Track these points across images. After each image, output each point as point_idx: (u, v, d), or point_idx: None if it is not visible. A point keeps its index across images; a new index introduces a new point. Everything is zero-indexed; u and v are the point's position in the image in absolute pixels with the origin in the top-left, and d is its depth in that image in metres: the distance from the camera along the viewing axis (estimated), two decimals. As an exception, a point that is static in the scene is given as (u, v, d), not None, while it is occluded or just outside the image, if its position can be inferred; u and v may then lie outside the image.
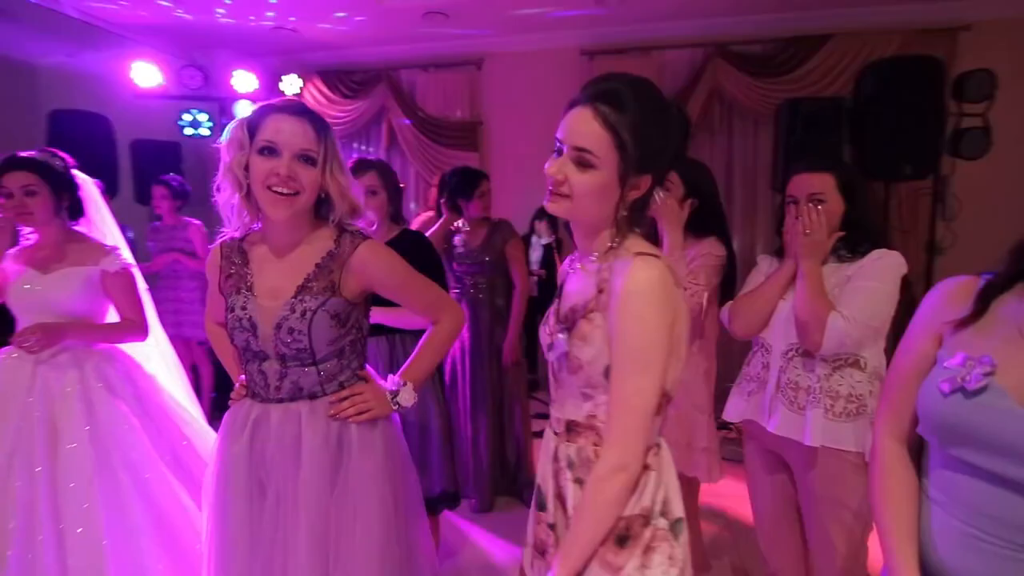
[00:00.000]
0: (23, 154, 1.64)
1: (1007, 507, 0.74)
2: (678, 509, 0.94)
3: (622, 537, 0.90)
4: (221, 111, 4.49)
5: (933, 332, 0.85)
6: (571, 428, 0.96)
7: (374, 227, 1.94)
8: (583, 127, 0.87)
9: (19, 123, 4.01)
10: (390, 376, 1.29)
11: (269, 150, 1.13)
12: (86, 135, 3.68)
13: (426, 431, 2.02)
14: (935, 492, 0.83)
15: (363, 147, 4.73)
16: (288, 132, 1.13)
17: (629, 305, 0.86)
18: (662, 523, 0.91)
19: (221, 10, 3.86)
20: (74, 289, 1.67)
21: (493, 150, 4.49)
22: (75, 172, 1.76)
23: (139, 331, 1.76)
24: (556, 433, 0.99)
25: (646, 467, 0.91)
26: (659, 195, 1.36)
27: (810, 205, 1.33)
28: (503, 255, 2.47)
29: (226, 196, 1.20)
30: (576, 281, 0.98)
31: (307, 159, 1.15)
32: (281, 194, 1.13)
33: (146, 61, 4.21)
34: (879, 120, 3.04)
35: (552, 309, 1.01)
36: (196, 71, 4.34)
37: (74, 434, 1.57)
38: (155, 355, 1.87)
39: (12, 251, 1.68)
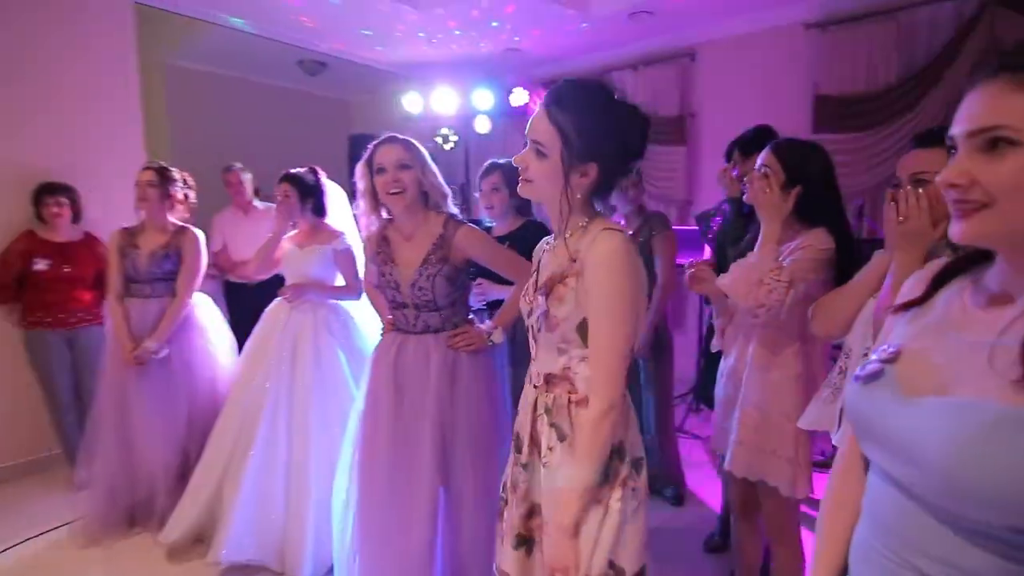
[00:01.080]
0: (290, 171, 2.41)
1: (896, 512, 0.64)
2: (639, 450, 1.09)
3: (604, 473, 1.04)
4: (465, 126, 5.38)
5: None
6: (549, 380, 1.12)
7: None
8: (538, 124, 1.07)
9: (331, 145, 5.51)
10: (487, 321, 1.80)
11: (380, 170, 1.67)
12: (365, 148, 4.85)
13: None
14: (865, 498, 0.74)
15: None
16: (388, 153, 1.67)
17: (598, 270, 1.03)
18: (627, 459, 1.07)
19: (454, 46, 4.65)
20: (316, 261, 2.38)
21: (703, 141, 4.36)
22: (324, 183, 2.48)
23: (354, 293, 2.40)
24: (535, 386, 1.16)
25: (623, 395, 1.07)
26: (754, 181, 1.39)
27: (909, 187, 1.14)
28: (648, 247, 2.50)
29: (362, 209, 1.78)
30: (550, 256, 1.15)
31: (404, 166, 1.68)
32: (393, 193, 1.66)
33: (412, 91, 5.31)
34: None
35: (531, 282, 1.19)
36: (451, 93, 5.29)
37: (306, 360, 2.26)
38: (365, 310, 2.48)
39: (287, 235, 2.48)
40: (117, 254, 2.49)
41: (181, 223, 2.61)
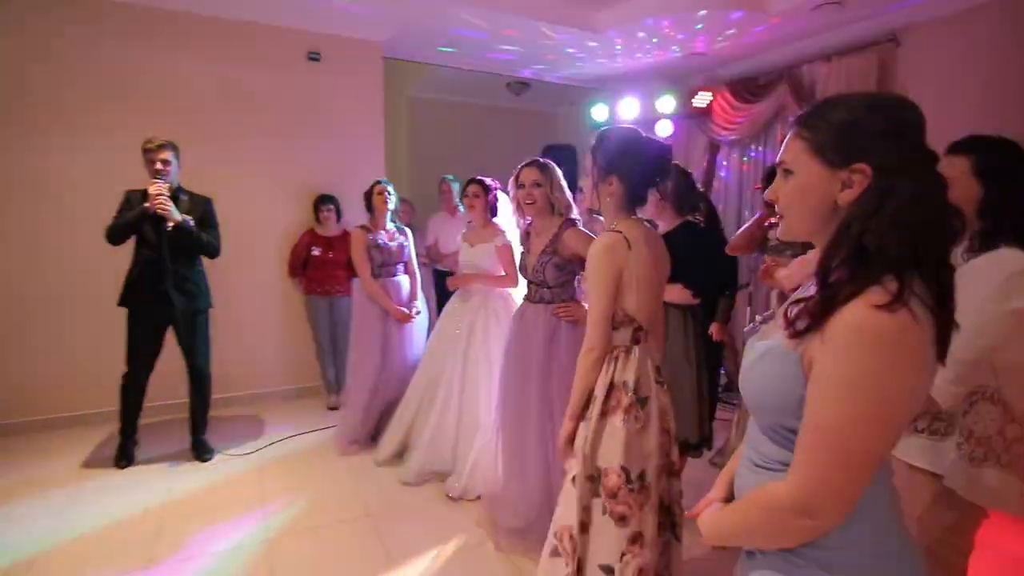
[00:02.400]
0: (477, 176, 3.09)
1: (753, 429, 0.92)
2: (646, 390, 1.47)
3: (607, 398, 1.48)
4: (648, 131, 5.62)
5: None
6: None
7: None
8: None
9: (532, 154, 6.24)
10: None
11: (521, 185, 2.31)
12: (559, 160, 5.43)
13: (680, 387, 2.52)
14: None
15: (759, 148, 4.95)
16: (527, 174, 2.34)
17: (588, 260, 1.52)
18: (631, 393, 1.46)
19: (639, 54, 4.94)
20: (483, 255, 3.03)
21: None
22: (498, 192, 3.12)
23: (512, 282, 2.99)
24: None
25: (627, 349, 1.50)
26: None
27: None
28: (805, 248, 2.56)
29: (511, 213, 2.45)
30: None
31: (537, 184, 2.31)
32: (527, 203, 2.30)
33: (600, 102, 5.77)
34: None
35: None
36: (632, 102, 5.62)
37: (476, 336, 2.91)
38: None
39: (462, 232, 3.19)
40: (365, 246, 3.42)
41: (399, 224, 3.55)
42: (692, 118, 5.40)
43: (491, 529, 2.40)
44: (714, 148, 5.45)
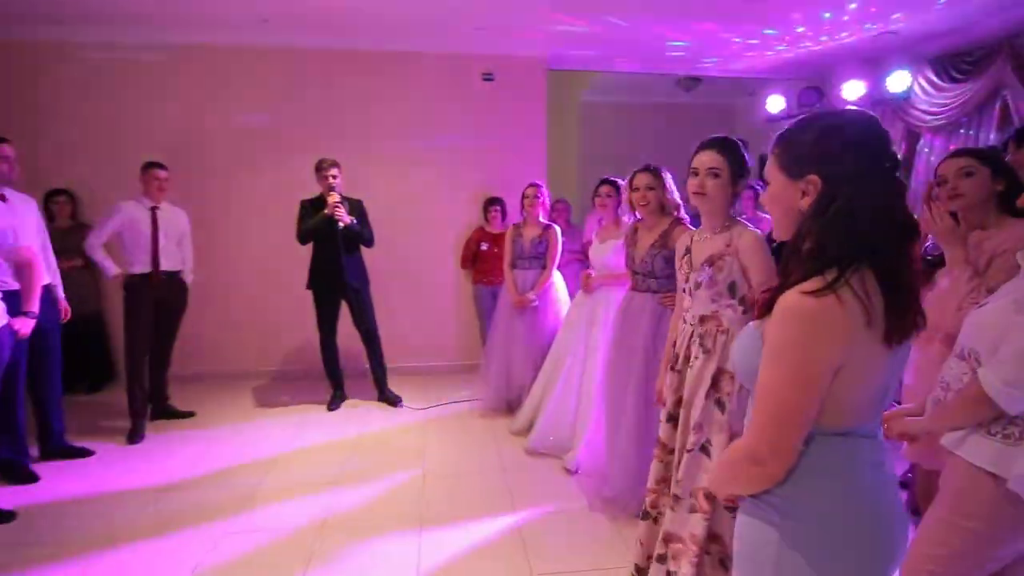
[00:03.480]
0: (609, 177, 3.33)
1: None
2: None
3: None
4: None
5: None
6: (703, 319, 1.82)
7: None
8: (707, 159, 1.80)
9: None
10: None
11: (635, 189, 2.59)
12: None
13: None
14: None
15: (970, 132, 4.25)
16: (641, 179, 2.59)
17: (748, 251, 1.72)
18: None
19: (824, 37, 4.58)
20: (610, 251, 3.25)
21: None
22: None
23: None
24: (691, 324, 1.86)
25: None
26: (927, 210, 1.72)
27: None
28: None
29: (624, 210, 2.74)
30: (703, 245, 1.84)
31: (650, 188, 2.55)
32: (641, 205, 2.58)
33: (776, 93, 5.46)
34: None
35: (684, 260, 1.88)
36: (813, 91, 5.22)
37: (596, 327, 3.18)
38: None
39: (596, 230, 3.45)
40: (511, 240, 3.97)
41: (547, 221, 3.95)
42: (885, 104, 4.84)
43: (590, 493, 2.76)
44: (913, 136, 4.81)
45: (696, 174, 1.79)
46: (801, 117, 1.02)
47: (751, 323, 1.05)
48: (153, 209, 3.58)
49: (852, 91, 4.90)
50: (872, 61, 4.93)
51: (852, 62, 5.04)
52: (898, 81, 4.65)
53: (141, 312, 3.56)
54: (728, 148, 1.79)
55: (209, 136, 4.59)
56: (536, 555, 2.33)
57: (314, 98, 4.68)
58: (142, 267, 3.55)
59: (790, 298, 0.92)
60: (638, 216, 2.63)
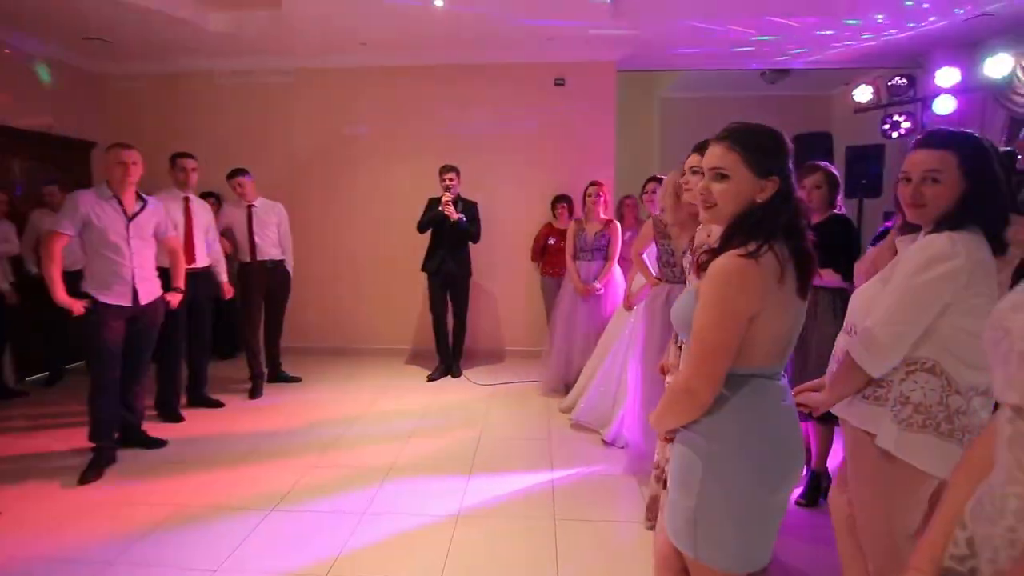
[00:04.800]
0: (657, 175, 3.56)
1: None
2: None
3: None
4: (923, 109, 4.91)
5: None
6: None
7: None
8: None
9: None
10: None
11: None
12: (811, 147, 5.16)
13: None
14: None
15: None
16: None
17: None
18: None
19: (910, 23, 4.40)
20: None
21: None
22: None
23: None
24: None
25: None
26: None
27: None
28: None
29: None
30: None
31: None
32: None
33: (865, 83, 5.27)
34: None
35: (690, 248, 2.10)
36: (905, 79, 4.99)
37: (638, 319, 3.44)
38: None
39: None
40: (573, 234, 4.29)
41: (608, 217, 4.23)
42: (984, 90, 4.53)
43: (623, 461, 3.06)
44: (1017, 125, 4.46)
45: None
46: (751, 124, 1.26)
47: (689, 285, 1.33)
48: (249, 207, 4.28)
49: (946, 78, 4.65)
50: (969, 46, 4.64)
51: (946, 47, 4.77)
52: (998, 65, 4.35)
53: (252, 296, 4.34)
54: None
55: (323, 145, 5.38)
56: (561, 504, 2.67)
57: (404, 109, 5.31)
58: (246, 257, 4.30)
59: (721, 260, 1.20)
60: (660, 210, 2.83)
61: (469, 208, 4.56)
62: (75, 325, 3.00)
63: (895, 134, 5.07)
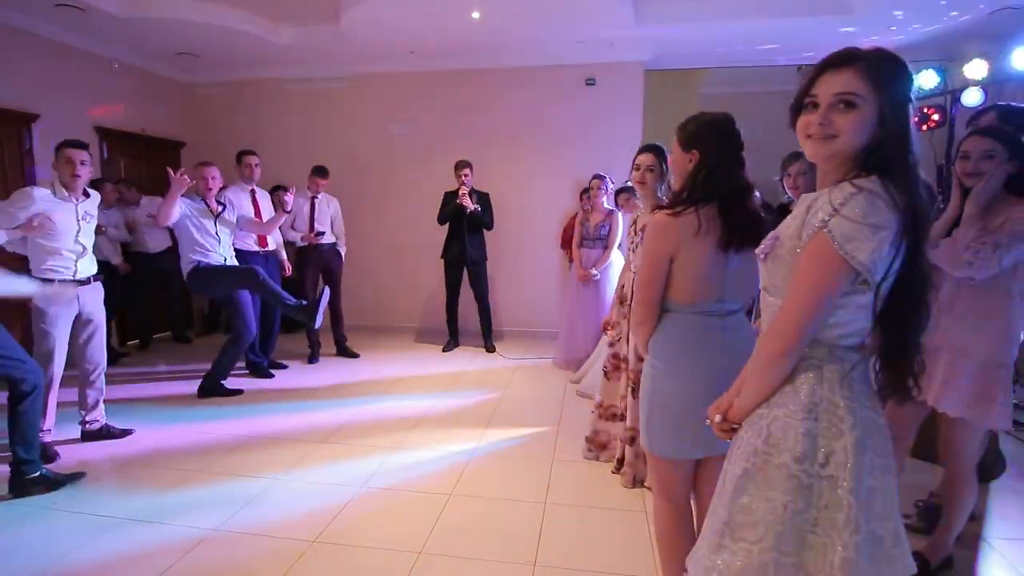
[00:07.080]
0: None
1: None
2: None
3: None
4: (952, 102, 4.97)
5: None
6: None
7: None
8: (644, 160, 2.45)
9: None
10: None
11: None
12: None
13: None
14: None
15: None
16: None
17: None
18: None
19: (933, 15, 4.50)
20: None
21: None
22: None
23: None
24: (634, 272, 2.47)
25: None
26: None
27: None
28: None
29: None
30: (643, 218, 2.97)
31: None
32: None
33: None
34: None
35: (632, 230, 2.60)
36: (933, 72, 5.04)
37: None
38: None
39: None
40: (579, 223, 4.67)
41: (611, 208, 4.59)
42: (1007, 83, 4.56)
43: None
44: (1044, 116, 4.46)
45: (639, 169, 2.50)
46: (693, 117, 1.64)
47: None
48: (313, 199, 4.89)
49: (975, 70, 4.69)
50: (998, 39, 4.67)
51: (976, 40, 4.81)
52: (1021, 59, 4.38)
53: (308, 274, 4.94)
54: (656, 150, 2.47)
55: (374, 143, 6.00)
56: (560, 451, 3.11)
57: (444, 110, 5.85)
58: (306, 241, 4.89)
59: (655, 215, 1.61)
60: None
61: (484, 199, 5.06)
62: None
63: (924, 127, 5.14)
